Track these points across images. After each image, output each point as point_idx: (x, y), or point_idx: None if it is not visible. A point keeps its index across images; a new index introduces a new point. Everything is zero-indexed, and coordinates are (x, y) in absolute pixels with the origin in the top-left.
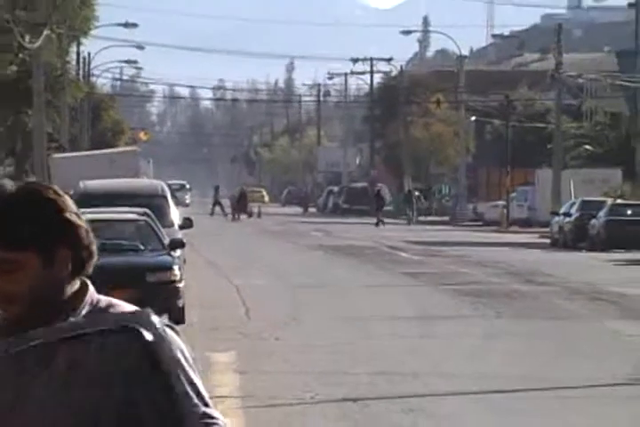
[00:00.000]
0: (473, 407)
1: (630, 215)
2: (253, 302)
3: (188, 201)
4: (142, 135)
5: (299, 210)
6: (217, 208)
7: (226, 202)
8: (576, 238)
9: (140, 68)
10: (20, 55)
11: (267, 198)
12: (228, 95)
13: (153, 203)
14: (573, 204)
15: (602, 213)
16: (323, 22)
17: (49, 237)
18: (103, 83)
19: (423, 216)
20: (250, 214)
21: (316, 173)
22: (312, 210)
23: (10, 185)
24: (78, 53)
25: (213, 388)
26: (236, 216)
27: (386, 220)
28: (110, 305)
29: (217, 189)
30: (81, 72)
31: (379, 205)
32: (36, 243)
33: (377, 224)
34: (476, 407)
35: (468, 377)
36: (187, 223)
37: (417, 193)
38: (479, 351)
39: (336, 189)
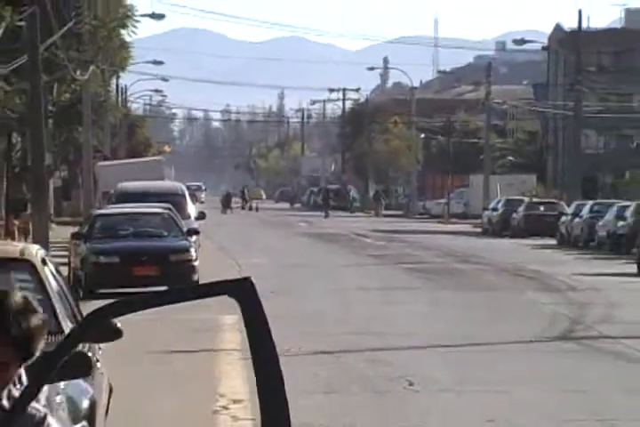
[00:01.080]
0: (424, 359)
1: (543, 210)
2: (257, 278)
3: (202, 199)
4: (166, 148)
5: (288, 205)
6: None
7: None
8: (501, 228)
9: (164, 96)
10: (73, 86)
11: (264, 196)
12: (233, 117)
13: (174, 200)
14: (499, 201)
15: (521, 209)
16: (307, 60)
17: None
18: (136, 107)
19: (384, 211)
20: (250, 208)
21: (300, 177)
22: (297, 205)
23: None
24: (117, 84)
25: (222, 344)
26: (244, 207)
27: (355, 214)
28: None
29: (244, 189)
30: (119, 99)
31: (326, 201)
32: None
33: (325, 216)
34: (426, 359)
35: (419, 335)
36: (201, 216)
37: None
38: (428, 315)
39: (316, 189)
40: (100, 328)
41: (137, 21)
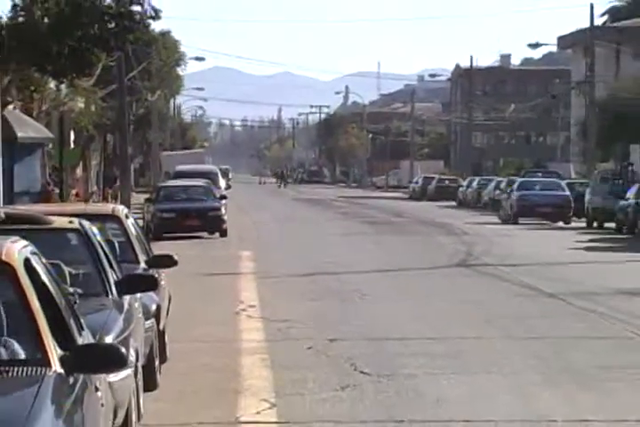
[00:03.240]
0: (372, 279)
1: (447, 183)
2: (261, 229)
3: (230, 176)
4: (205, 144)
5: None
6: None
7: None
8: (421, 195)
9: (204, 110)
10: (145, 103)
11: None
12: (248, 124)
13: (211, 177)
14: (419, 177)
15: (433, 182)
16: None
17: None
18: (187, 117)
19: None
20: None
21: (292, 162)
22: (289, 180)
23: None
24: (174, 103)
25: (241, 269)
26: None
27: (326, 186)
28: None
29: (282, 173)
30: (175, 112)
31: (283, 177)
32: None
33: (279, 186)
34: (373, 279)
35: (369, 264)
36: (228, 187)
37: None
38: (375, 251)
39: (302, 170)
40: (164, 260)
41: (186, 62)
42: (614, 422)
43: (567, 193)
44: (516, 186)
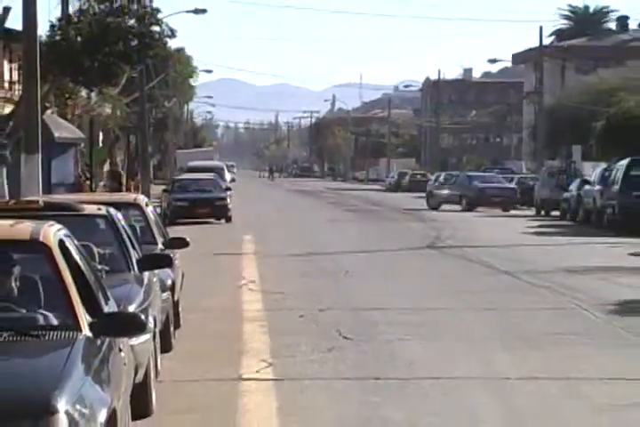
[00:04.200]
0: (355, 259)
1: (419, 178)
2: (261, 215)
3: (235, 171)
4: (214, 143)
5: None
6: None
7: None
8: (396, 187)
9: (212, 114)
10: (163, 109)
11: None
12: (251, 127)
13: (218, 171)
14: (395, 172)
15: (407, 177)
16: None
17: None
18: (198, 121)
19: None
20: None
21: (287, 159)
22: (284, 174)
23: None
24: (187, 108)
25: (244, 249)
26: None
27: (316, 180)
28: None
29: (271, 169)
30: (188, 116)
31: (272, 172)
32: None
33: (269, 179)
34: (356, 259)
35: (351, 246)
36: (232, 180)
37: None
38: (356, 235)
39: (295, 166)
40: (178, 242)
41: (197, 74)
42: (558, 379)
43: (513, 186)
44: (466, 180)
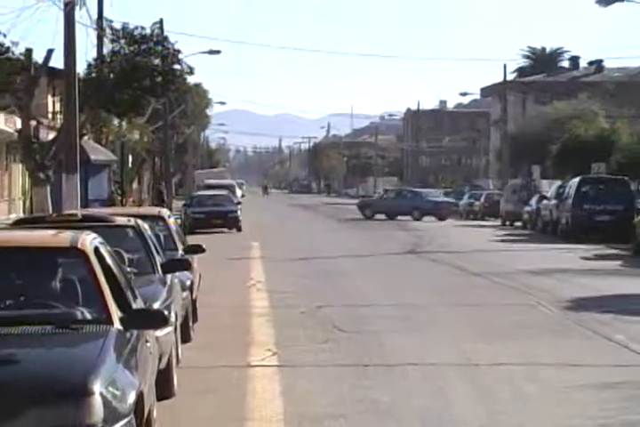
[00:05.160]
0: (344, 262)
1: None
2: (267, 226)
3: (244, 188)
4: (226, 164)
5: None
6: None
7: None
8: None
9: (225, 140)
10: (183, 135)
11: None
12: (257, 150)
13: (230, 188)
14: (381, 189)
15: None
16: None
17: None
18: (213, 145)
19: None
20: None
21: (289, 178)
22: (285, 191)
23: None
24: (204, 135)
25: (252, 254)
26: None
27: (313, 195)
28: None
29: (265, 186)
30: (204, 141)
31: (266, 189)
32: None
33: (263, 195)
34: (345, 261)
35: (342, 251)
36: (242, 195)
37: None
38: (345, 241)
39: (296, 183)
40: (196, 249)
41: (212, 105)
42: (520, 364)
43: (450, 200)
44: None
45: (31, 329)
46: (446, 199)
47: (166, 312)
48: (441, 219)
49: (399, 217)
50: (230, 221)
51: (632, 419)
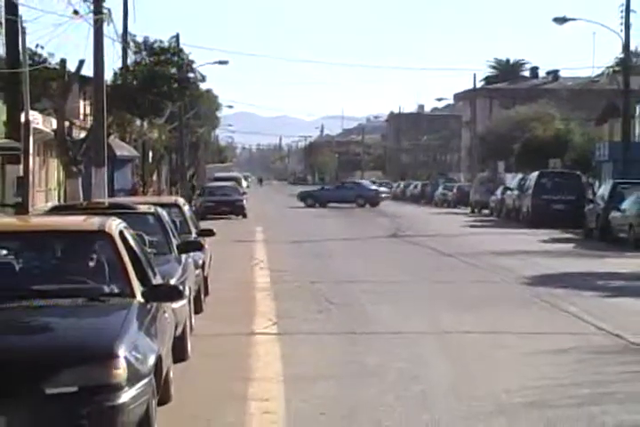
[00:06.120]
0: (335, 245)
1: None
2: (268, 213)
3: (250, 180)
4: (234, 159)
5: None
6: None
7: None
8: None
9: (232, 138)
10: (196, 134)
11: (274, 181)
12: (261, 147)
13: (237, 180)
14: (373, 182)
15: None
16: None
17: None
18: (222, 143)
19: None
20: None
21: (289, 171)
22: (285, 182)
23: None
24: (214, 134)
25: (256, 238)
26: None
27: (309, 187)
28: None
29: (261, 179)
30: (215, 140)
31: (261, 181)
32: None
33: (259, 184)
34: (336, 245)
35: (334, 236)
36: (247, 186)
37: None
38: (338, 227)
39: (294, 176)
40: (207, 232)
41: (221, 108)
42: (487, 333)
43: (376, 188)
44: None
45: (65, 301)
46: (380, 189)
47: (181, 287)
48: (375, 205)
49: (345, 204)
50: (237, 209)
51: (581, 379)
